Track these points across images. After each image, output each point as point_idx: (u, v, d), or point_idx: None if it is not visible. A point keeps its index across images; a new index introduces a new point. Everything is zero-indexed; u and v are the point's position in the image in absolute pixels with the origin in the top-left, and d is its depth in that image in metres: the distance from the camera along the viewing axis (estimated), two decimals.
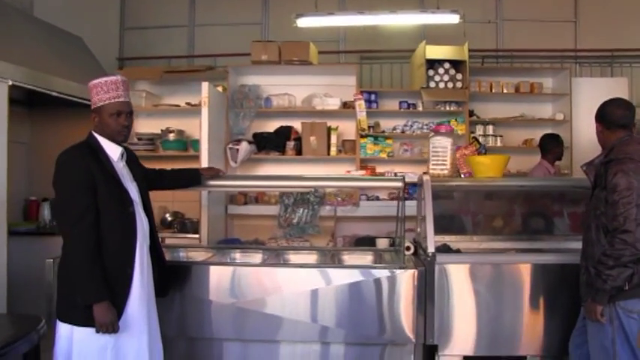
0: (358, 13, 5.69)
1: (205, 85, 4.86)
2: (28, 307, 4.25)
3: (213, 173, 3.52)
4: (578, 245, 3.55)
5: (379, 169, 5.99)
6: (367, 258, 3.83)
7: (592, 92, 6.00)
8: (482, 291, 3.13)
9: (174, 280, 3.13)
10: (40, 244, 4.98)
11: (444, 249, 3.51)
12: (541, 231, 4.10)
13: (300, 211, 5.53)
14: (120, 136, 2.72)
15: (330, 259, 3.69)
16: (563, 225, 4.15)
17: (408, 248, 3.56)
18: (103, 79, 2.69)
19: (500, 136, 6.05)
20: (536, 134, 6.09)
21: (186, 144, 5.91)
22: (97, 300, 2.45)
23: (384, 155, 5.90)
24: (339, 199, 5.69)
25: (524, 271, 3.13)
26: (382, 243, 4.05)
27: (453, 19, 5.56)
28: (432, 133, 3.51)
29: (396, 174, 5.88)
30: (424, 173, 3.59)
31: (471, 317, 3.13)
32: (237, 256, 3.82)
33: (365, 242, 5.24)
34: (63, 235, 2.55)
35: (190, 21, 7.37)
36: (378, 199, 5.87)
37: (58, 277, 2.63)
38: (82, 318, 2.49)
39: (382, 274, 3.15)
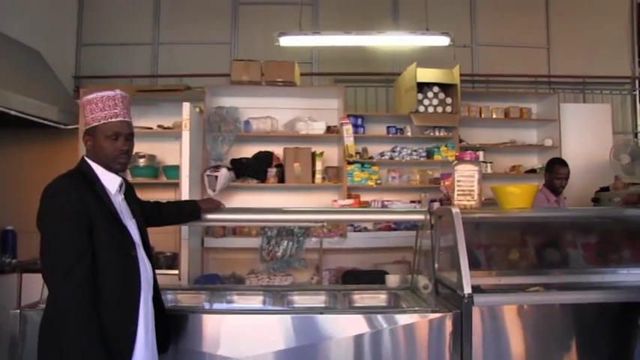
0: (344, 33, 5.34)
1: (187, 106, 4.39)
2: None
3: (213, 206, 3.06)
4: (604, 278, 3.36)
5: (365, 197, 5.65)
6: (380, 298, 3.45)
7: (577, 118, 5.95)
8: (527, 335, 2.79)
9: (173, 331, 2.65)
10: None
11: None
12: (557, 264, 3.81)
13: (284, 243, 5.10)
14: (117, 163, 2.25)
15: (342, 300, 3.29)
16: (577, 257, 3.89)
17: (425, 287, 3.23)
18: (98, 95, 2.22)
19: (491, 162, 5.84)
20: (524, 160, 5.99)
21: (158, 170, 5.38)
22: None
23: (371, 183, 5.56)
24: (325, 230, 5.31)
25: (573, 312, 2.81)
26: (392, 280, 3.67)
27: (443, 41, 5.31)
28: (456, 161, 3.19)
29: (383, 203, 5.59)
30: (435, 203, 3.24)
31: None
32: (235, 298, 3.35)
33: (352, 275, 4.92)
34: (49, 285, 2.02)
35: (154, 38, 6.90)
36: (366, 229, 5.51)
37: (40, 339, 2.08)
38: None
39: (412, 319, 2.78)
